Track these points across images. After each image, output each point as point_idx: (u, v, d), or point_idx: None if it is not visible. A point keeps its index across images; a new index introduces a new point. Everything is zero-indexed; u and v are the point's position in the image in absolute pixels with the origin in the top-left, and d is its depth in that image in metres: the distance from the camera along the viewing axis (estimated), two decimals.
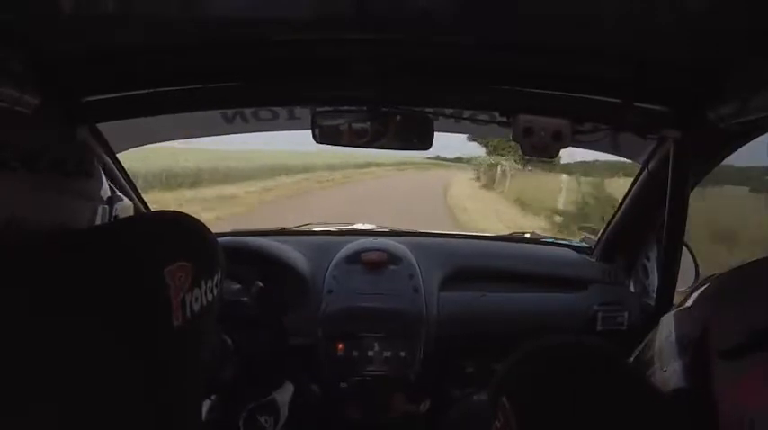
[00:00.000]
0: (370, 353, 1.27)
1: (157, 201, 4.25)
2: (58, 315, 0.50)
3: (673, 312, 0.45)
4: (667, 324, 0.44)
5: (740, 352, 0.36)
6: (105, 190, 0.65)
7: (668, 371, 0.42)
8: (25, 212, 0.53)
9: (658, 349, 0.44)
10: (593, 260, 1.52)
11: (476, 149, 18.88)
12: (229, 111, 1.27)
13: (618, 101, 0.94)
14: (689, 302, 0.44)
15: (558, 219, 9.31)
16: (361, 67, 0.88)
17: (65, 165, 0.57)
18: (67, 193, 0.57)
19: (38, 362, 0.48)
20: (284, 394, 1.01)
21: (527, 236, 1.75)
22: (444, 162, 23.86)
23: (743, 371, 0.36)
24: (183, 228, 0.65)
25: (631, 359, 0.48)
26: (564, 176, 12.62)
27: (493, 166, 16.21)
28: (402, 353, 1.27)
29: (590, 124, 0.99)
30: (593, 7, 0.71)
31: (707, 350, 0.39)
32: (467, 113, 1.19)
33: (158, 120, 1.07)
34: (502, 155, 15.62)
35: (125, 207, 0.98)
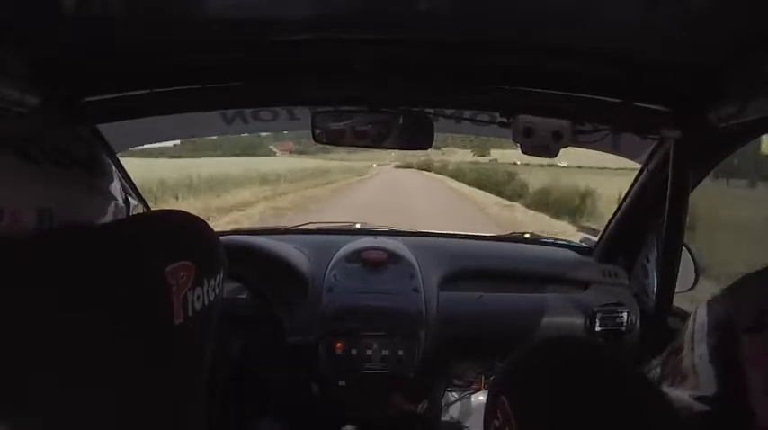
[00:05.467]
0: (369, 352, 1.27)
1: None
2: (59, 314, 0.50)
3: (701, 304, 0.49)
4: (697, 314, 0.48)
5: (760, 327, 0.40)
6: (119, 188, 0.64)
7: (697, 351, 0.45)
8: (35, 208, 0.53)
9: (689, 334, 0.47)
10: (593, 260, 1.52)
11: None
12: (229, 112, 1.27)
13: (618, 101, 0.94)
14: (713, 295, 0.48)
15: None
16: (362, 68, 0.88)
17: (80, 162, 0.57)
18: (86, 190, 0.58)
19: (38, 359, 0.48)
20: None
21: (527, 236, 1.75)
22: None
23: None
24: (184, 227, 0.65)
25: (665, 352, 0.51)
26: None
27: None
28: (401, 352, 1.27)
29: (590, 124, 0.99)
30: (593, 7, 0.71)
31: (732, 329, 0.42)
32: (467, 114, 1.20)
33: (158, 120, 1.07)
34: None
35: (137, 207, 0.97)
